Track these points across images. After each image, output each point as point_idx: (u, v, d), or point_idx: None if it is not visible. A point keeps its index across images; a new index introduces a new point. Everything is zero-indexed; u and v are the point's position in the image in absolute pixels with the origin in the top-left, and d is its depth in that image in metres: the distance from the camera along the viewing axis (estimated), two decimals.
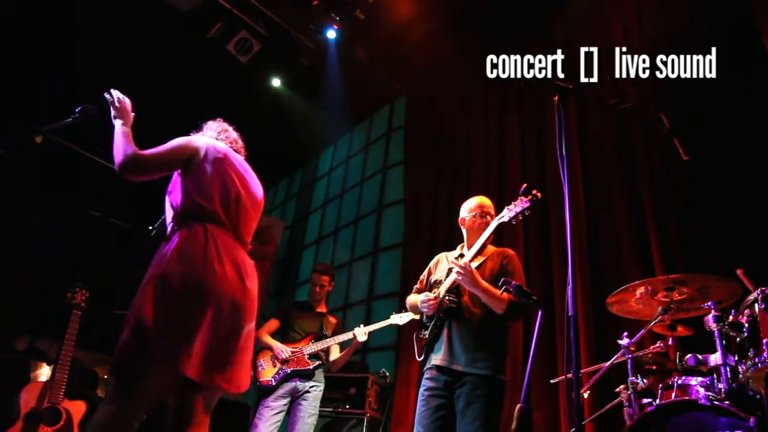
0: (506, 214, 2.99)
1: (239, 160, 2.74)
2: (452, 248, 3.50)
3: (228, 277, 2.33)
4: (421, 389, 3.05)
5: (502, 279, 2.52)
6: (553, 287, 4.52)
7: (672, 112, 3.30)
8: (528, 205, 2.92)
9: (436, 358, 3.04)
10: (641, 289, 2.83)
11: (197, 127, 2.87)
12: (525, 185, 2.97)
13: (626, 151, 4.45)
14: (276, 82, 7.70)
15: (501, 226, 3.08)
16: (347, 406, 5.00)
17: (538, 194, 2.92)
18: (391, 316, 4.38)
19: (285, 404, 4.38)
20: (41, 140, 2.10)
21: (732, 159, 3.73)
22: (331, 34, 6.70)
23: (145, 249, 2.76)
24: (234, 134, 2.89)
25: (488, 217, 3.21)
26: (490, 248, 3.27)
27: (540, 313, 2.27)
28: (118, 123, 2.43)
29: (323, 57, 7.10)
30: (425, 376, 3.08)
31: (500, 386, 2.92)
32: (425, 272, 3.44)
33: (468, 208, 3.32)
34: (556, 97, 2.48)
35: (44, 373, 6.83)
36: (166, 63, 7.10)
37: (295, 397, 4.41)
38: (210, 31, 6.73)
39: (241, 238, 2.54)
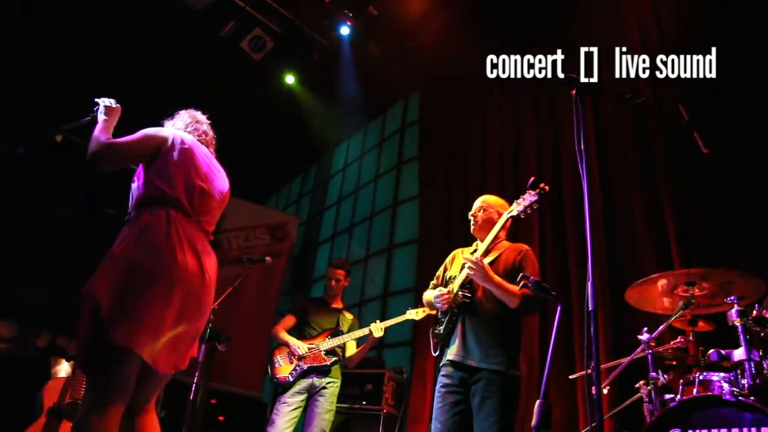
0: (515, 208, 3.03)
1: (205, 152, 2.72)
2: (468, 244, 3.50)
3: (189, 266, 2.31)
4: (438, 385, 3.05)
5: (521, 274, 2.50)
6: (570, 282, 4.50)
7: (690, 104, 3.28)
8: (536, 198, 2.95)
9: (451, 354, 3.04)
10: (662, 281, 2.80)
11: (172, 117, 2.88)
12: (533, 179, 3.00)
13: (643, 145, 4.41)
14: (290, 80, 7.71)
15: (512, 221, 3.13)
16: (364, 402, 5.00)
17: (546, 187, 2.96)
18: (407, 312, 4.37)
19: (302, 400, 4.40)
20: (61, 139, 2.12)
21: (754, 151, 3.68)
22: (345, 30, 6.69)
23: None
24: (204, 126, 2.87)
25: (497, 213, 3.22)
26: (505, 243, 3.27)
27: (559, 308, 2.25)
28: (101, 117, 2.42)
29: (337, 54, 7.09)
30: (441, 372, 3.08)
31: (515, 381, 2.91)
32: (441, 268, 3.44)
33: (477, 206, 3.36)
34: (574, 91, 2.45)
35: (63, 369, 6.92)
36: (180, 61, 7.15)
37: (312, 393, 4.42)
38: (223, 30, 6.75)
39: (204, 227, 2.53)
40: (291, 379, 4.41)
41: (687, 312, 2.77)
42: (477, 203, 3.38)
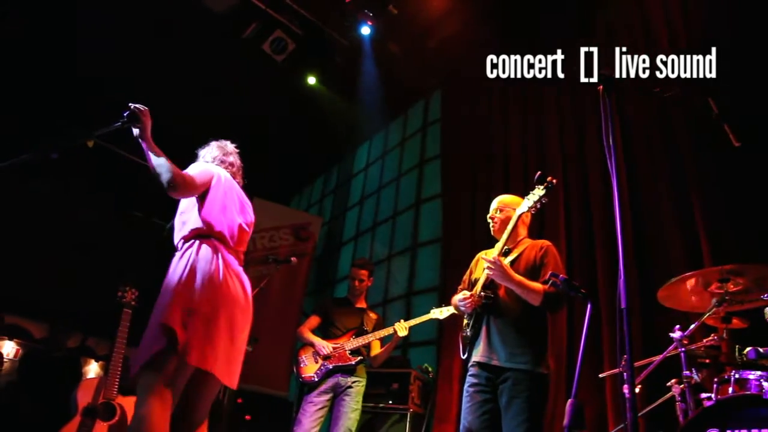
0: (525, 204, 3.07)
1: (237, 187, 3.06)
2: (492, 242, 3.48)
3: (236, 294, 2.67)
4: (466, 385, 3.06)
5: (550, 273, 2.49)
6: (597, 279, 4.45)
7: (720, 98, 3.22)
8: (544, 192, 3.00)
9: (477, 355, 3.05)
10: (692, 281, 2.75)
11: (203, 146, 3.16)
12: (539, 173, 3.04)
13: (670, 140, 4.34)
14: (311, 80, 7.73)
15: (531, 218, 3.23)
16: (390, 402, 5.01)
17: (553, 180, 3.00)
18: (432, 311, 4.37)
19: (328, 399, 4.42)
20: (93, 144, 2.16)
21: None
22: (366, 30, 6.69)
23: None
24: (232, 157, 3.15)
25: (512, 211, 3.22)
26: (526, 241, 3.26)
27: (589, 306, 2.23)
28: (139, 131, 2.56)
29: (358, 53, 7.10)
30: (469, 372, 3.09)
31: (542, 380, 2.89)
32: (467, 272, 3.45)
33: (493, 208, 3.38)
34: (601, 87, 2.42)
35: (93, 369, 7.05)
36: (203, 64, 7.22)
37: (338, 392, 4.44)
38: (245, 32, 6.80)
39: (239, 256, 2.87)
40: (317, 379, 4.44)
41: (720, 309, 2.72)
42: (493, 204, 3.39)
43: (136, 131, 2.54)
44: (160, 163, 2.56)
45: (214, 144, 3.16)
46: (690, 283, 2.80)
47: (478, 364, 3.01)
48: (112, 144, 7.49)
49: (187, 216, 2.81)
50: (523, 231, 3.30)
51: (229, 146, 3.19)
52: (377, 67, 7.26)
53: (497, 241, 3.36)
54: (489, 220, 3.36)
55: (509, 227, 3.11)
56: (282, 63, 6.98)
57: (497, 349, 2.96)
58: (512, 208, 3.26)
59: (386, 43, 7.08)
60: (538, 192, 3.01)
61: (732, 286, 2.71)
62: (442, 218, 6.57)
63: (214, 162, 3.05)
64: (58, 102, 7.40)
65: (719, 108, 3.09)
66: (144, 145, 2.54)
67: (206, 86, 7.58)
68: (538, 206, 3.03)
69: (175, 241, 2.83)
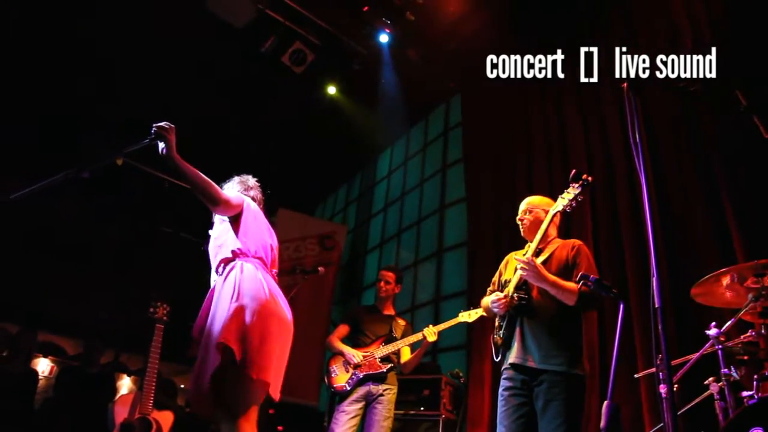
0: (560, 203, 3.03)
1: (262, 214, 3.18)
2: (518, 244, 3.46)
3: (282, 311, 2.78)
4: (500, 389, 3.02)
5: (580, 274, 2.46)
6: (627, 278, 4.39)
7: (749, 89, 3.16)
8: (579, 190, 2.96)
9: (511, 357, 3.01)
10: (727, 279, 2.70)
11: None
12: (574, 171, 3.01)
13: (696, 136, 4.27)
14: (331, 90, 7.79)
15: (560, 217, 3.16)
16: (422, 408, 4.99)
17: (589, 178, 2.96)
18: (460, 314, 4.34)
19: (360, 408, 4.41)
20: (122, 162, 2.21)
21: None
22: (384, 38, 6.73)
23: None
24: (253, 192, 3.24)
25: (543, 212, 3.18)
26: (557, 241, 3.22)
27: (622, 306, 2.20)
28: (165, 149, 2.61)
29: (377, 61, 7.14)
30: (503, 376, 3.04)
31: (579, 382, 2.85)
32: (496, 274, 3.42)
33: (522, 209, 3.34)
34: (625, 84, 2.39)
35: (125, 384, 7.15)
36: (225, 78, 7.33)
37: (370, 400, 4.43)
38: (265, 45, 6.88)
39: (275, 277, 2.99)
40: (348, 388, 4.43)
41: (758, 304, 2.66)
42: (522, 206, 3.35)
43: (162, 148, 2.59)
44: (196, 179, 2.67)
45: (236, 179, 3.26)
46: (725, 279, 2.74)
47: (513, 366, 2.98)
48: (138, 161, 7.62)
49: (222, 240, 2.92)
50: (553, 231, 3.26)
51: (251, 180, 3.28)
52: (396, 74, 7.29)
53: (524, 242, 3.33)
54: (518, 222, 3.32)
55: (543, 227, 3.07)
56: (302, 74, 7.04)
57: (532, 350, 2.92)
58: (541, 208, 3.23)
59: (404, 50, 7.11)
60: (573, 190, 2.97)
61: None
62: (468, 222, 6.55)
63: (245, 193, 3.17)
64: (85, 120, 7.56)
65: (747, 100, 3.03)
66: (173, 163, 2.60)
67: (229, 100, 7.69)
68: (574, 204, 2.98)
69: (213, 265, 2.92)
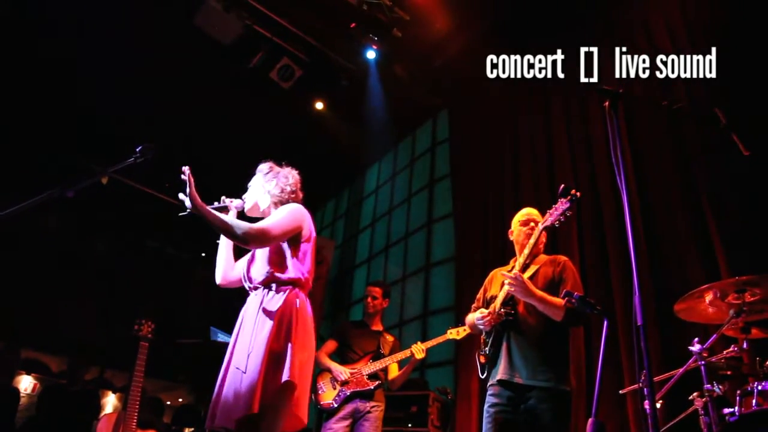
0: (548, 219, 3.02)
1: None
2: (505, 259, 3.47)
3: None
4: (486, 405, 3.01)
5: (565, 291, 2.47)
6: (612, 293, 4.42)
7: (728, 108, 3.20)
8: (568, 205, 2.94)
9: (498, 373, 3.00)
10: (710, 295, 2.73)
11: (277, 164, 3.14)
12: (563, 186, 2.98)
13: (681, 151, 4.33)
14: (319, 105, 7.82)
15: (547, 231, 3.13)
16: (409, 425, 4.96)
17: (577, 194, 2.93)
18: (448, 332, 4.34)
19: (347, 426, 4.38)
20: (107, 181, 2.20)
21: None
22: (371, 54, 6.77)
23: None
24: (300, 192, 3.13)
25: (532, 225, 3.19)
26: (543, 257, 3.24)
27: (606, 323, 2.22)
28: (190, 203, 2.58)
29: (364, 77, 7.18)
30: (489, 392, 3.04)
31: (566, 397, 2.86)
32: (481, 290, 3.41)
33: (524, 218, 3.32)
34: (607, 103, 2.42)
35: (110, 401, 7.07)
36: (211, 94, 7.33)
37: (357, 418, 4.40)
38: (252, 61, 6.90)
39: None
40: (335, 405, 4.41)
41: (739, 320, 2.69)
42: (524, 215, 3.32)
43: (186, 201, 2.55)
44: (225, 226, 2.62)
45: (290, 172, 3.13)
46: (708, 295, 2.77)
47: (500, 382, 2.97)
48: (123, 176, 7.59)
49: (274, 259, 2.82)
50: (541, 246, 3.27)
51: (292, 176, 3.13)
52: (384, 89, 7.33)
53: (511, 258, 3.35)
54: (519, 228, 3.28)
55: (531, 241, 3.08)
56: (289, 90, 7.06)
57: (519, 367, 2.92)
58: (534, 222, 3.22)
59: (392, 66, 7.16)
60: (562, 206, 2.95)
61: (749, 297, 2.68)
62: (455, 237, 6.57)
63: (289, 188, 3.06)
64: (72, 138, 7.52)
65: (727, 118, 3.08)
66: (198, 214, 2.57)
67: (215, 115, 7.68)
68: (562, 219, 2.97)
69: (255, 279, 2.82)
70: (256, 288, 2.81)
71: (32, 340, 7.57)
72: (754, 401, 2.49)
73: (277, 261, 2.80)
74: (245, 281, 2.89)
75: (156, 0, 6.23)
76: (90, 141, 7.35)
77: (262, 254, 2.86)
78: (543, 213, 3.15)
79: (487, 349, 3.11)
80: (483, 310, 3.14)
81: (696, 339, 2.86)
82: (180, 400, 9.24)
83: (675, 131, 4.42)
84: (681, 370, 2.81)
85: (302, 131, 8.10)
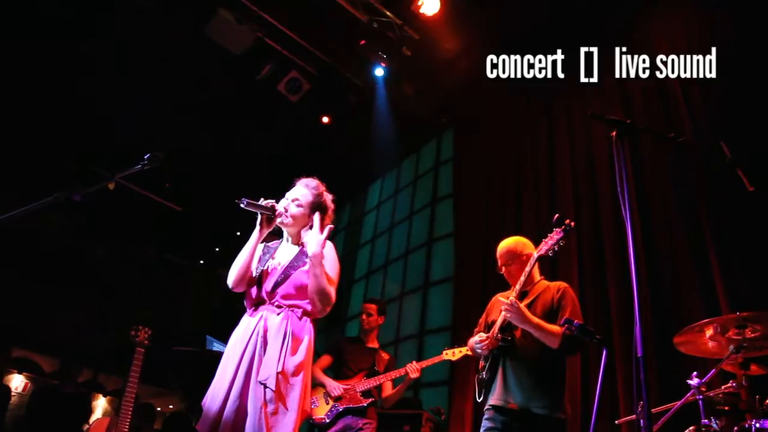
0: (543, 248, 3.03)
1: None
2: (505, 283, 3.47)
3: None
4: (482, 429, 3.00)
5: (564, 318, 2.47)
6: (612, 322, 4.40)
7: (733, 142, 3.22)
8: (562, 235, 2.95)
9: (493, 398, 3.01)
10: (710, 330, 2.72)
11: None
12: (557, 216, 3.00)
13: (685, 184, 4.33)
14: (325, 119, 7.85)
15: (541, 259, 3.12)
16: None
17: (571, 223, 2.95)
18: (444, 352, 4.32)
19: None
20: (114, 187, 2.21)
21: None
22: (379, 71, 6.82)
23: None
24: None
25: (520, 258, 3.21)
26: (543, 283, 3.24)
27: (605, 353, 2.21)
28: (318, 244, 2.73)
29: (371, 93, 7.22)
30: (484, 416, 3.03)
31: (560, 426, 2.84)
32: (483, 315, 3.43)
33: (499, 259, 3.36)
34: (614, 133, 2.43)
35: (100, 404, 7.01)
36: (218, 104, 7.38)
37: None
38: (261, 73, 6.95)
39: None
40: (327, 420, 4.38)
41: (739, 355, 2.68)
42: (499, 256, 3.37)
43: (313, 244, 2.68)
44: (324, 285, 2.73)
45: (327, 194, 3.18)
46: (708, 329, 2.76)
47: (494, 407, 2.97)
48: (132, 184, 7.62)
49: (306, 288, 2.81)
50: (536, 273, 3.28)
51: (328, 200, 3.17)
52: (390, 106, 7.37)
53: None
54: (503, 261, 3.33)
55: (527, 270, 3.08)
56: (297, 103, 7.10)
57: (514, 392, 2.92)
58: (519, 255, 3.25)
59: (399, 83, 7.20)
60: (556, 236, 2.96)
61: (750, 333, 2.67)
62: (455, 257, 6.56)
63: (328, 214, 3.11)
64: (79, 143, 7.55)
65: (732, 152, 3.09)
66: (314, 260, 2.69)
67: (221, 126, 7.72)
68: (556, 249, 2.98)
69: (282, 298, 2.79)
70: (279, 306, 2.77)
71: (25, 340, 7.53)
72: None
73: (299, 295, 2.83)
74: (263, 294, 2.83)
75: (167, 8, 6.28)
76: (96, 146, 7.37)
77: (298, 279, 2.82)
78: (539, 242, 3.16)
79: (484, 373, 3.11)
80: (482, 334, 3.14)
81: (695, 373, 2.85)
82: (171, 407, 9.18)
83: (679, 164, 4.42)
84: (678, 403, 2.80)
85: (307, 144, 8.13)
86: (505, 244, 3.39)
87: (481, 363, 3.20)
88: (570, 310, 2.98)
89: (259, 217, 2.84)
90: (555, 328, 2.87)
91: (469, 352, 3.55)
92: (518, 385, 2.93)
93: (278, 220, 2.90)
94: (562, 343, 2.85)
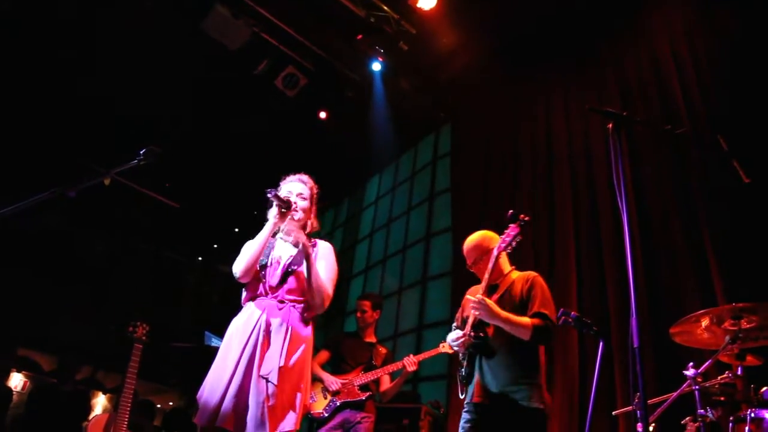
0: (501, 244, 3.04)
1: None
2: None
3: None
4: (462, 422, 3.01)
5: (561, 310, 2.48)
6: (609, 314, 4.41)
7: (730, 134, 3.23)
8: (518, 230, 2.96)
9: (471, 394, 3.03)
10: (706, 320, 2.73)
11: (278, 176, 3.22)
12: (510, 212, 3.01)
13: (682, 176, 4.34)
14: (322, 114, 7.84)
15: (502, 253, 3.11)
16: None
17: (525, 218, 2.96)
18: (441, 346, 4.35)
19: None
20: (109, 182, 2.20)
21: None
22: (376, 66, 6.81)
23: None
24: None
25: (490, 251, 3.17)
26: (513, 274, 3.22)
27: (602, 345, 2.22)
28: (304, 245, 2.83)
29: (368, 88, 7.22)
30: (464, 409, 3.05)
31: (537, 415, 2.85)
32: (459, 311, 3.42)
33: (466, 252, 3.34)
34: (610, 125, 2.43)
35: (100, 402, 7.02)
36: (215, 99, 7.36)
37: (347, 428, 4.39)
38: (258, 68, 6.93)
39: None
40: (326, 415, 4.39)
41: (734, 346, 2.69)
42: (466, 248, 3.35)
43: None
44: (323, 288, 2.93)
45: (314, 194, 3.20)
46: (704, 320, 2.77)
47: (473, 403, 2.99)
48: (129, 179, 7.61)
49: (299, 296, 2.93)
50: (506, 265, 3.26)
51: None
52: (387, 101, 7.36)
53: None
54: (469, 260, 3.32)
55: (490, 266, 3.07)
56: (294, 98, 7.09)
57: (491, 386, 2.94)
58: (486, 246, 3.22)
59: (397, 78, 7.20)
60: (512, 231, 2.96)
61: (746, 324, 2.67)
62: (453, 252, 6.56)
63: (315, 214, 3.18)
64: (75, 137, 7.54)
65: (729, 145, 3.10)
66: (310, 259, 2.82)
67: (218, 121, 7.71)
68: (514, 244, 2.98)
69: (287, 294, 2.87)
70: (281, 301, 2.84)
71: (23, 338, 7.53)
72: (747, 428, 2.49)
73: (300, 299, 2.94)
74: (266, 288, 2.88)
75: (164, 5, 6.26)
76: (91, 141, 7.36)
77: (301, 276, 2.91)
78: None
79: (463, 369, 3.13)
80: (458, 331, 3.15)
81: (691, 363, 2.86)
82: (170, 403, 9.19)
83: (676, 157, 4.43)
84: (675, 393, 2.81)
85: (305, 139, 8.12)
86: (470, 240, 3.36)
87: (460, 359, 3.22)
88: (539, 299, 2.98)
89: (276, 210, 2.89)
90: (524, 320, 2.87)
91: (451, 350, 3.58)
92: (495, 379, 2.94)
93: (290, 215, 2.95)
94: (533, 333, 2.86)
